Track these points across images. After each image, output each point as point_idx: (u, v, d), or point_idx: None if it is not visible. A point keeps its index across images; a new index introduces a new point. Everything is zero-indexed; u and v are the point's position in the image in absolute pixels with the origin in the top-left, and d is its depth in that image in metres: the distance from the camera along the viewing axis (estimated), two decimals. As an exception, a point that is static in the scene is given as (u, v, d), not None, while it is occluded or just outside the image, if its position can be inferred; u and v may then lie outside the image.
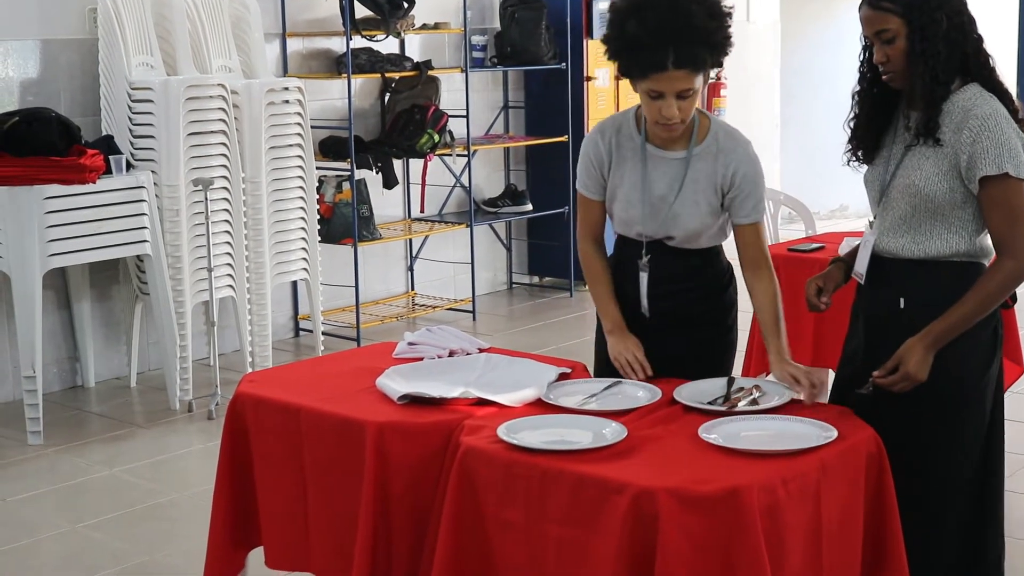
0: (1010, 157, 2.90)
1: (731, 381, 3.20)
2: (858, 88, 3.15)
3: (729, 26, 3.20)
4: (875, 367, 3.01)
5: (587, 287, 3.61)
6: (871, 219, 3.19)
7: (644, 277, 3.38)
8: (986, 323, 3.01)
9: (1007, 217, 2.93)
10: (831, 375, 4.86)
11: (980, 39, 3.02)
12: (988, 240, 3.02)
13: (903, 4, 2.95)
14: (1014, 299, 3.14)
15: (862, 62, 3.11)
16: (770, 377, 3.29)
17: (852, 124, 3.17)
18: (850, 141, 3.18)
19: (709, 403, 3.06)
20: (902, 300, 3.06)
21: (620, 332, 3.39)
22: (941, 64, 2.94)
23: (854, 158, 3.19)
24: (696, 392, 3.13)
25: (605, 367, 3.48)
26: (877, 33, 3.00)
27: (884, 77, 3.05)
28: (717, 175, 3.30)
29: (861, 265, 3.17)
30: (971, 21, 3.01)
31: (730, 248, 3.46)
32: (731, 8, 3.22)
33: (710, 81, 9.62)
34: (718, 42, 3.16)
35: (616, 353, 3.35)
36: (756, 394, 3.09)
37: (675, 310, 3.41)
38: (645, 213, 3.34)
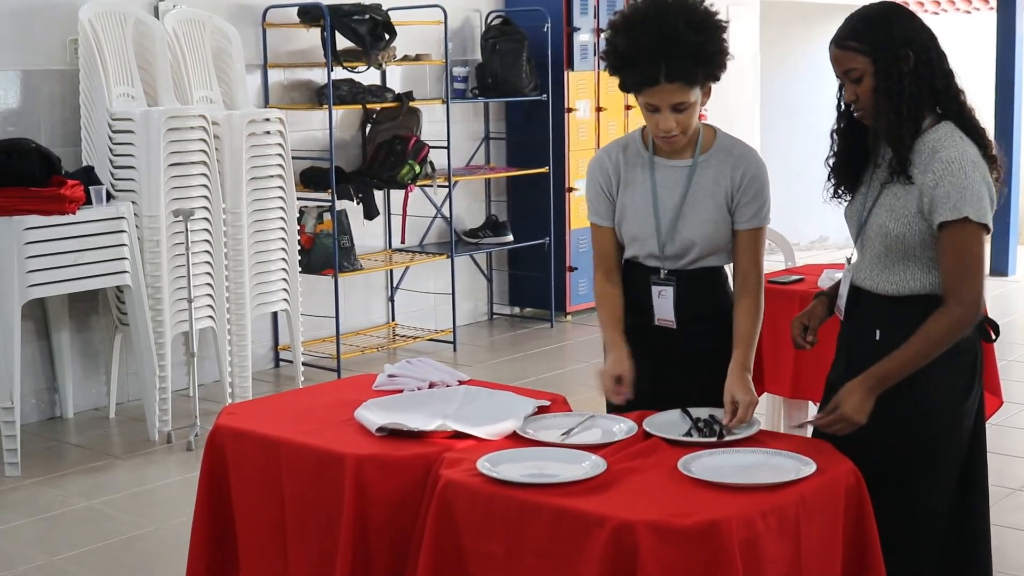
0: (971, 202, 2.88)
1: (687, 412, 3.19)
2: (835, 126, 3.16)
3: (722, 40, 3.22)
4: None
5: (596, 315, 3.52)
6: (849, 255, 3.20)
7: (669, 292, 3.34)
8: (963, 356, 3.00)
9: (959, 263, 2.91)
10: (812, 407, 4.88)
11: (950, 74, 3.01)
12: None
13: (869, 43, 2.96)
14: (997, 333, 3.14)
15: (839, 100, 3.12)
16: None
17: (831, 162, 3.18)
18: (830, 178, 3.20)
19: (684, 435, 3.06)
20: (878, 332, 3.06)
21: (616, 350, 3.35)
22: (906, 101, 2.93)
23: (834, 195, 3.21)
24: (660, 424, 3.12)
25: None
26: (845, 72, 3.01)
27: (856, 115, 3.06)
28: (726, 178, 3.33)
29: (841, 301, 3.20)
30: (940, 57, 3.00)
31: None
32: (725, 23, 3.23)
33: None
34: (709, 55, 3.18)
35: (601, 372, 3.33)
36: (723, 424, 3.09)
37: (699, 337, 3.37)
38: (657, 224, 3.33)
